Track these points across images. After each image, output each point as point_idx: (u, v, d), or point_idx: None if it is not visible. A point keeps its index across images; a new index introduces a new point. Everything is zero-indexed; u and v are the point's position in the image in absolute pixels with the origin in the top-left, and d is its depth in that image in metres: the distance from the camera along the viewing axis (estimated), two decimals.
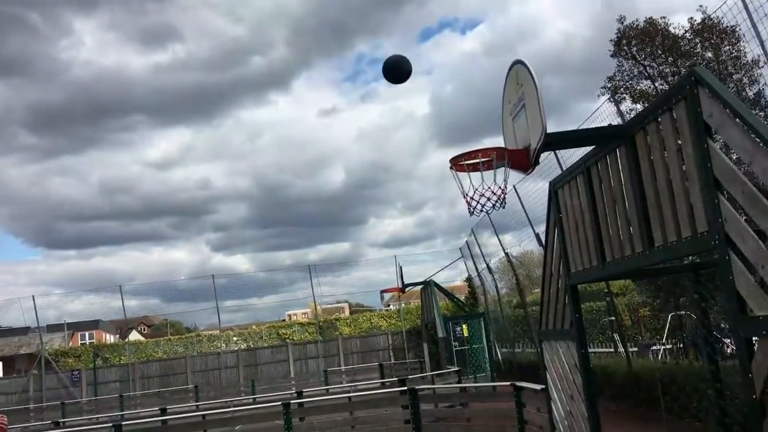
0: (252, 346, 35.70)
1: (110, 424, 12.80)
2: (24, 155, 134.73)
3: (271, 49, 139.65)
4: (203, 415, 12.95)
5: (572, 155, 10.09)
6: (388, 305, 46.33)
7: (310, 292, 36.49)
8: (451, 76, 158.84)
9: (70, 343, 47.58)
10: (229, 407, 15.82)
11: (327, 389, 21.86)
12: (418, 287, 27.31)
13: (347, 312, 60.49)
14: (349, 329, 36.40)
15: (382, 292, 31.02)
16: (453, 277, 33.38)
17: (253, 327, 42.68)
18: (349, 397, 13.35)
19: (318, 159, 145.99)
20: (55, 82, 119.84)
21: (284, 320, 52.10)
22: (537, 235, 16.18)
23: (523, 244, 19.20)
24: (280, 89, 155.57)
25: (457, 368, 18.43)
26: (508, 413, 10.71)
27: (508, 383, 11.28)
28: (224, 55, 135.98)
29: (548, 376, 8.14)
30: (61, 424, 16.73)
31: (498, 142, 6.95)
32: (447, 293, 27.49)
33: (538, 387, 9.41)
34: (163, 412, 14.61)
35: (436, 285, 25.19)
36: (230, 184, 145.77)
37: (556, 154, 12.92)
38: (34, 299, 39.90)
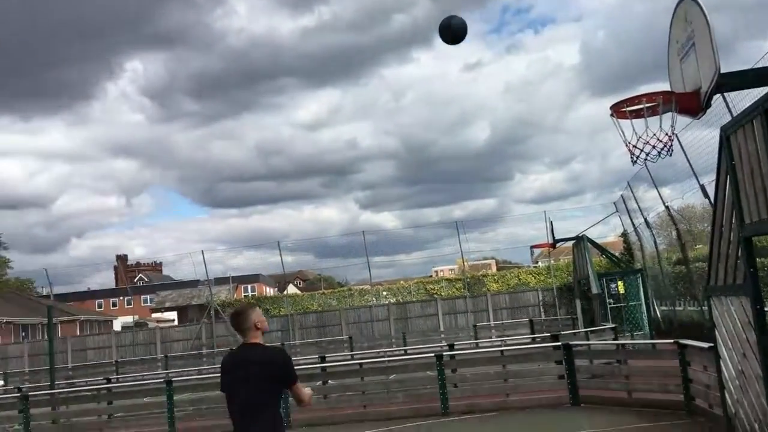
0: (401, 300, 36.60)
1: None
2: (188, 121, 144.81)
3: (413, 6, 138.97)
4: (360, 364, 13.54)
5: (743, 99, 9.29)
6: (536, 262, 45.53)
7: (457, 249, 36.64)
8: (603, 22, 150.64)
9: (235, 295, 51.19)
10: (382, 357, 16.38)
11: (476, 343, 22.04)
12: (569, 243, 26.58)
13: (494, 268, 60.17)
14: (497, 285, 36.27)
15: (532, 247, 30.53)
16: (606, 232, 32.22)
17: (402, 282, 43.67)
18: (502, 351, 13.37)
19: (463, 115, 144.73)
20: (212, 51, 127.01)
21: (431, 276, 52.82)
22: (702, 187, 15.14)
23: (686, 197, 18.02)
24: (423, 46, 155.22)
25: (612, 325, 17.89)
26: (670, 372, 10.29)
27: (671, 341, 10.81)
28: (368, 14, 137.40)
29: (717, 333, 7.71)
30: None
31: (658, 88, 6.55)
32: (601, 249, 26.55)
33: (704, 345, 8.93)
34: (322, 359, 15.42)
35: (590, 240, 24.39)
36: (376, 144, 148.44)
37: (724, 97, 11.96)
38: (203, 254, 43.13)
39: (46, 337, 46.86)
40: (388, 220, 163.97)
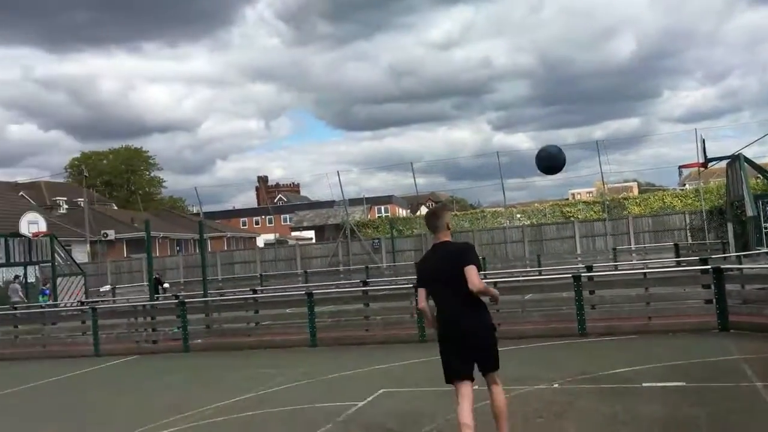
0: (536, 222, 35.93)
1: (410, 285, 13.95)
2: (323, 44, 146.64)
3: None
4: (494, 282, 13.46)
5: None
6: (683, 185, 42.92)
7: (595, 170, 35.25)
8: None
9: (368, 216, 52.41)
10: (517, 278, 16.21)
11: (615, 266, 21.30)
12: (722, 163, 24.69)
13: (635, 191, 57.42)
14: (639, 209, 34.64)
15: (681, 167, 28.75)
16: (763, 152, 29.61)
17: (536, 205, 42.78)
18: (644, 273, 12.80)
19: (605, 29, 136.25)
20: None
21: (567, 199, 51.31)
22: None
23: None
24: None
25: None
26: None
27: None
28: None
29: None
30: (367, 284, 18.71)
31: None
32: (759, 169, 24.46)
33: None
34: None
35: (746, 159, 22.51)
36: (511, 62, 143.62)
37: None
38: (338, 175, 44.29)
39: (198, 251, 50.47)
40: (522, 141, 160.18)
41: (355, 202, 48.53)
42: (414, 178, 40.19)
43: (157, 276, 24.80)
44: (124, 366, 12.98)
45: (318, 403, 8.05)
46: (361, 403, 7.77)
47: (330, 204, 55.36)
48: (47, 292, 23.85)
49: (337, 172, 41.92)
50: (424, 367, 10.09)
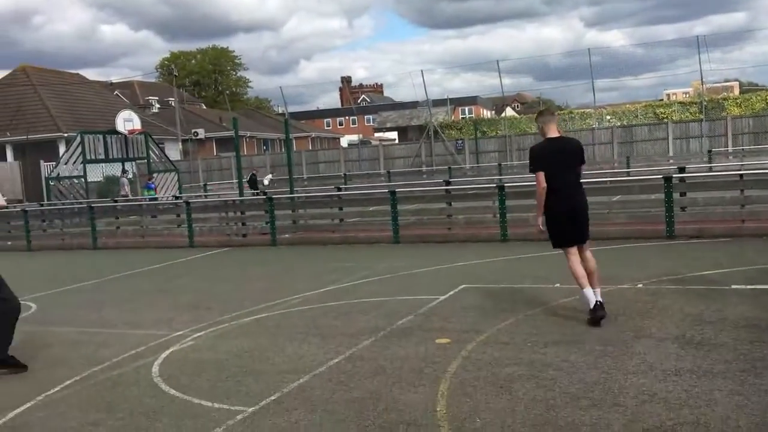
0: (626, 123, 34.54)
1: (494, 185, 13.86)
2: None
3: None
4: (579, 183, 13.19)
5: None
6: None
7: (693, 69, 33.55)
8: None
9: (452, 117, 51.68)
10: (604, 179, 15.79)
11: (710, 167, 20.39)
12: None
13: (736, 91, 53.98)
14: (739, 109, 32.67)
15: None
16: None
17: (627, 106, 40.96)
18: (741, 175, 12.20)
19: None
20: None
21: (661, 100, 48.82)
22: None
23: None
24: None
25: None
26: None
27: None
28: None
29: None
30: (450, 183, 18.72)
31: None
32: None
33: None
34: None
35: None
36: None
37: None
38: (422, 74, 43.61)
39: (283, 150, 51.48)
40: (616, 39, 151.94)
41: (438, 102, 47.86)
42: (500, 78, 39.22)
43: (253, 174, 25.57)
44: (216, 257, 13.67)
45: (400, 296, 8.29)
46: (442, 297, 7.95)
47: (413, 105, 54.87)
48: (153, 185, 25.13)
49: (421, 71, 41.07)
50: (505, 265, 10.17)
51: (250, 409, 4.75)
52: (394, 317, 7.14)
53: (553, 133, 6.44)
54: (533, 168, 6.40)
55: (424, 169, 33.70)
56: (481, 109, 67.71)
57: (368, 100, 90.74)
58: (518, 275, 9.10)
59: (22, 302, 9.51)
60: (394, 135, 57.49)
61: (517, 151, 34.16)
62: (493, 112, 67.99)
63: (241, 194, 17.42)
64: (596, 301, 6.23)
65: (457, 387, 4.87)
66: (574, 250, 6.44)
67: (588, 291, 6.29)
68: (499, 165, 29.78)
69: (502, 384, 4.86)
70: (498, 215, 12.64)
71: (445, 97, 52.89)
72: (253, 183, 24.46)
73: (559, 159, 6.32)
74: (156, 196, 24.11)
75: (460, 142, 36.02)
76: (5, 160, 36.65)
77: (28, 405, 5.19)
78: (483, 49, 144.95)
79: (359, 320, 7.15)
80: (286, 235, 14.68)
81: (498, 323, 6.56)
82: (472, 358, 5.53)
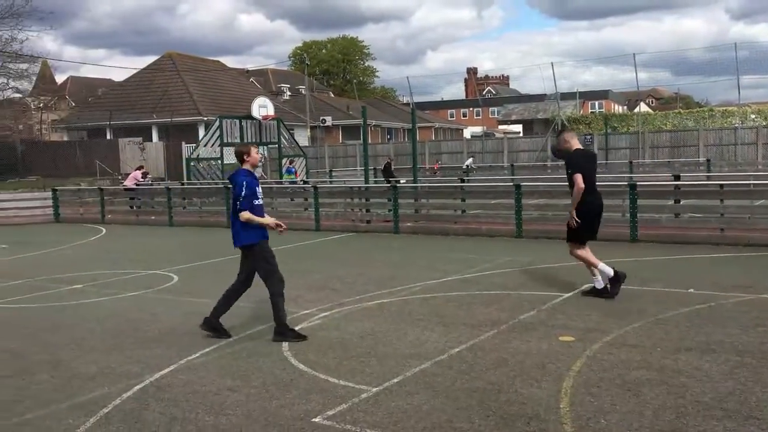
0: None
1: (625, 183, 13.37)
2: None
3: None
4: (720, 185, 12.46)
5: None
6: None
7: None
8: None
9: (581, 111, 50.12)
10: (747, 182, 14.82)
11: None
12: None
13: None
14: None
15: None
16: None
17: None
18: None
19: None
20: None
21: None
22: None
23: None
24: None
25: None
26: None
27: None
28: None
29: None
30: None
31: None
32: None
33: None
34: (677, 178, 14.54)
35: None
36: None
37: None
38: (552, 67, 42.52)
39: (406, 139, 51.88)
40: (765, 32, 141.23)
41: (567, 96, 46.54)
42: (635, 71, 37.62)
43: (389, 162, 25.98)
44: (340, 241, 14.08)
45: (522, 290, 8.22)
46: (566, 295, 7.81)
47: (540, 98, 53.66)
48: (293, 170, 26.25)
49: (551, 63, 40.42)
50: (633, 267, 9.82)
51: (374, 389, 4.91)
52: (516, 311, 7.11)
53: (578, 145, 7.72)
54: (574, 170, 7.42)
55: (549, 163, 32.93)
56: (613, 104, 65.13)
57: (493, 92, 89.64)
58: (647, 277, 8.77)
59: (163, 273, 10.26)
60: (518, 128, 56.53)
61: (650, 148, 32.66)
62: (625, 107, 65.24)
63: (366, 181, 17.79)
64: (613, 269, 7.45)
65: (581, 386, 4.80)
66: (588, 248, 7.63)
67: (602, 265, 7.47)
68: (630, 162, 28.61)
69: (629, 387, 4.74)
70: (628, 214, 12.20)
71: (575, 91, 51.35)
72: (388, 171, 24.71)
73: (592, 166, 7.73)
74: (296, 179, 25.11)
75: (588, 137, 34.88)
76: (151, 140, 39.32)
77: (171, 368, 5.62)
78: (617, 42, 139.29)
79: (481, 312, 7.17)
80: (408, 224, 14.86)
81: (625, 325, 6.37)
82: (597, 358, 5.42)
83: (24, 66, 41.12)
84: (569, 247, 7.73)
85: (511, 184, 14.18)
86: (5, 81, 41.13)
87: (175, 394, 4.99)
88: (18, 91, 42.80)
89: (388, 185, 16.15)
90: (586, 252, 7.57)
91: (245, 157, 6.42)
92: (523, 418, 4.28)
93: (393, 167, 25.71)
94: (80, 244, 15.02)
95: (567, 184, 7.68)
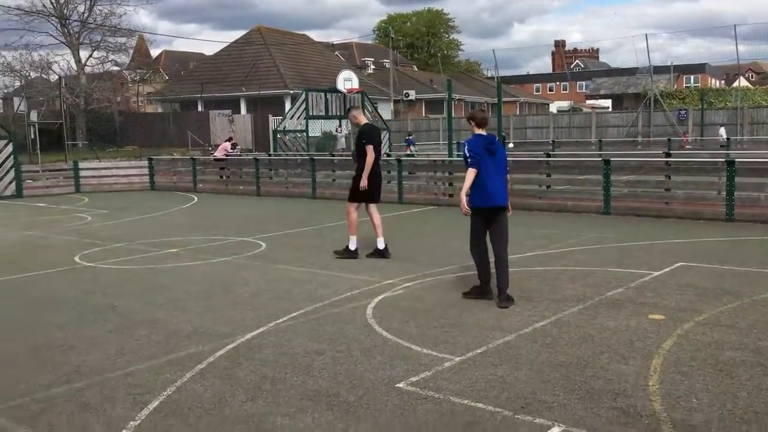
0: None
1: (722, 160, 12.78)
2: None
3: None
4: None
5: None
6: None
7: None
8: None
9: (675, 86, 47.97)
10: None
11: None
12: None
13: None
14: None
15: None
16: None
17: None
18: None
19: None
20: None
21: None
22: None
23: None
24: None
25: None
26: None
27: None
28: None
29: None
30: (670, 155, 17.53)
31: None
32: None
33: None
34: None
35: None
36: None
37: None
38: (647, 38, 40.90)
39: (491, 114, 51.19)
40: None
41: (660, 69, 44.60)
42: (736, 44, 35.56)
43: (504, 135, 25.69)
44: (423, 214, 14.12)
45: (610, 267, 8.04)
46: (656, 273, 7.59)
47: (631, 71, 51.67)
48: (412, 141, 26.59)
49: (645, 35, 38.74)
50: (729, 246, 9.45)
51: (457, 359, 4.95)
52: (603, 288, 6.97)
53: (365, 120, 9.13)
54: (367, 142, 8.65)
55: (639, 140, 31.86)
56: (709, 78, 62.02)
57: (582, 65, 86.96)
58: (744, 258, 8.40)
59: (252, 240, 10.59)
60: (607, 103, 54.74)
61: (749, 125, 31.01)
62: (723, 81, 62.00)
63: (449, 155, 17.70)
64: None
65: (671, 364, 4.69)
66: None
67: (354, 238, 9.03)
68: (728, 139, 27.28)
69: (722, 367, 4.60)
70: (724, 192, 11.68)
71: (669, 64, 49.14)
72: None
73: (379, 140, 8.99)
74: (414, 152, 25.40)
75: (683, 112, 33.45)
76: (239, 112, 40.37)
77: (261, 330, 5.83)
78: (715, 12, 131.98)
79: (566, 287, 7.07)
80: None
81: (719, 305, 6.15)
82: (689, 338, 5.26)
83: (122, 40, 43.00)
84: (347, 206, 9.03)
85: (600, 159, 13.79)
86: (105, 54, 43.11)
87: (264, 354, 5.19)
88: (116, 64, 44.79)
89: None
90: (354, 215, 8.89)
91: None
92: (609, 393, 4.22)
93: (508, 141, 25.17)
94: (174, 211, 15.68)
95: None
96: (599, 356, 4.91)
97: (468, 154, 6.49)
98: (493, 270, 6.66)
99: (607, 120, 36.78)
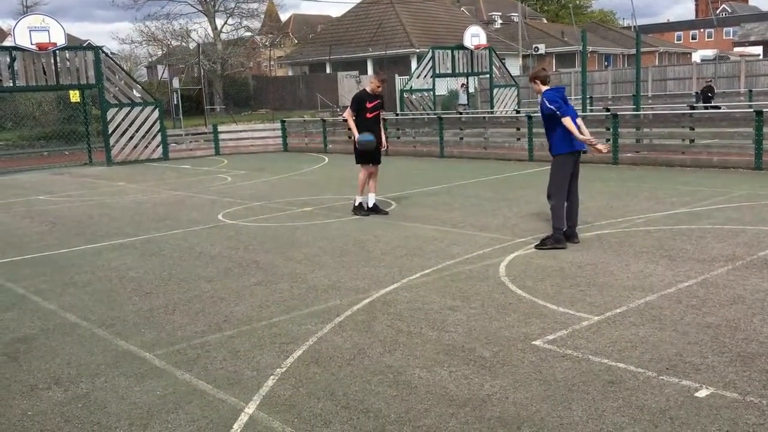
0: None
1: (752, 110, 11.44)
2: None
3: None
4: None
5: None
6: None
7: None
8: None
9: None
10: None
11: None
12: None
13: None
14: None
15: None
16: None
17: None
18: None
19: None
20: None
21: None
22: None
23: None
24: None
25: None
26: None
27: None
28: None
29: None
30: None
31: None
32: None
33: None
34: None
35: None
36: None
37: None
38: None
39: (626, 66, 48.57)
40: None
41: None
42: None
43: (708, 84, 24.54)
44: None
45: (762, 225, 7.50)
46: None
47: None
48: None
49: None
50: None
51: (595, 318, 4.83)
52: (755, 247, 6.52)
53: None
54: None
55: None
56: None
57: (729, 10, 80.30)
58: None
59: (383, 199, 10.75)
60: (758, 50, 50.35)
61: None
62: None
63: (583, 110, 17.02)
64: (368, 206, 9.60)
65: None
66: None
67: (363, 196, 9.74)
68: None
69: None
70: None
71: None
72: (707, 96, 23.09)
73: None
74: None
75: None
76: (366, 73, 40.76)
77: (394, 286, 5.95)
78: None
79: (713, 246, 6.67)
80: (629, 154, 14.07)
81: None
82: None
83: (254, 5, 44.41)
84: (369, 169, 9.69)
85: (751, 110, 12.77)
86: (239, 21, 44.78)
87: (399, 309, 5.30)
88: (249, 30, 46.41)
89: (608, 113, 15.30)
90: (362, 175, 9.66)
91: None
92: (763, 357, 3.97)
93: (713, 91, 23.78)
94: (307, 170, 16.19)
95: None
96: (752, 318, 4.62)
97: (552, 107, 6.83)
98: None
99: (758, 68, 33.82)
